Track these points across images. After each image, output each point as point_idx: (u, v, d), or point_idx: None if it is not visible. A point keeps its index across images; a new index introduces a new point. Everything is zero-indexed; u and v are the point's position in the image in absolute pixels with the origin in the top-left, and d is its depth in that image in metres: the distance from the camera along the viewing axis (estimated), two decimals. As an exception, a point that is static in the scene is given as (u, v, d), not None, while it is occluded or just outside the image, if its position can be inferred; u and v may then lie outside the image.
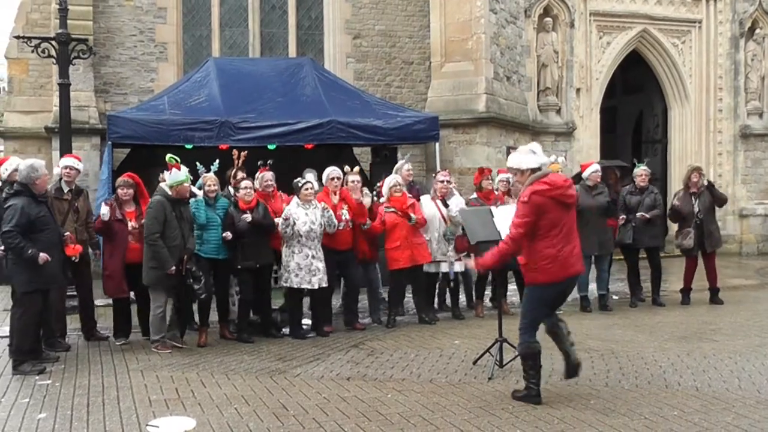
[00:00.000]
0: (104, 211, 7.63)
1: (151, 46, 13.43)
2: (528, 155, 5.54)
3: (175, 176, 7.41)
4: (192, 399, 5.80)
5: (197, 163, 8.15)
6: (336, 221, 8.14)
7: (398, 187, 8.72)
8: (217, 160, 8.27)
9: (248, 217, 7.76)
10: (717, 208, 10.27)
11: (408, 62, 14.40)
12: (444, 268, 9.13)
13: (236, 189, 8.07)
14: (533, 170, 5.47)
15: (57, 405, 5.76)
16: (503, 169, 11.24)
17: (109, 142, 10.41)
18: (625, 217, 9.73)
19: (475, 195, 9.44)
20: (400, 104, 13.19)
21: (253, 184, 8.19)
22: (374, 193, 9.26)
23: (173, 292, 7.58)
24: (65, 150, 9.93)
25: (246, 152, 8.79)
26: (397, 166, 9.78)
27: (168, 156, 7.56)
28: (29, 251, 6.58)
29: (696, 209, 9.83)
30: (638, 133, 18.81)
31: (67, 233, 7.35)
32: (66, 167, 7.89)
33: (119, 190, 7.88)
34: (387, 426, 5.09)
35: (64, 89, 10.10)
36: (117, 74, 13.28)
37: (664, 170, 16.86)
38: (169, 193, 7.44)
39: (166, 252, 7.28)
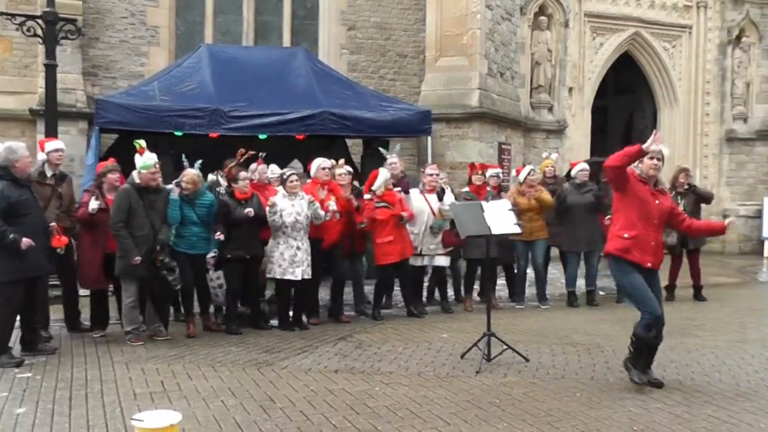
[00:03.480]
0: (94, 205, 7.39)
1: (142, 29, 13.21)
2: None
3: (145, 160, 7.25)
4: (178, 392, 5.72)
5: (183, 156, 8.03)
6: (323, 213, 8.10)
7: (390, 181, 8.75)
8: (200, 161, 8.14)
9: (251, 211, 7.75)
10: (702, 208, 10.61)
11: (402, 55, 14.32)
12: (437, 261, 9.15)
13: (234, 180, 8.01)
14: None
15: (38, 399, 5.59)
16: (494, 164, 11.30)
17: (97, 127, 10.22)
18: None
19: (467, 189, 9.47)
20: (393, 97, 13.13)
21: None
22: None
23: (147, 284, 7.45)
24: (51, 134, 9.76)
25: (253, 153, 8.68)
26: (386, 161, 9.74)
27: (135, 141, 7.42)
28: (10, 236, 6.32)
29: (681, 209, 9.96)
30: (628, 134, 18.89)
31: (53, 224, 7.09)
32: (56, 150, 7.66)
33: (110, 176, 7.70)
34: (374, 419, 5.06)
35: (51, 71, 9.92)
36: (106, 57, 13.03)
37: (652, 171, 16.95)
38: (137, 180, 7.31)
39: (130, 242, 7.16)
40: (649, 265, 5.73)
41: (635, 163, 5.84)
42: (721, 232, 6.36)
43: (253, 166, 8.63)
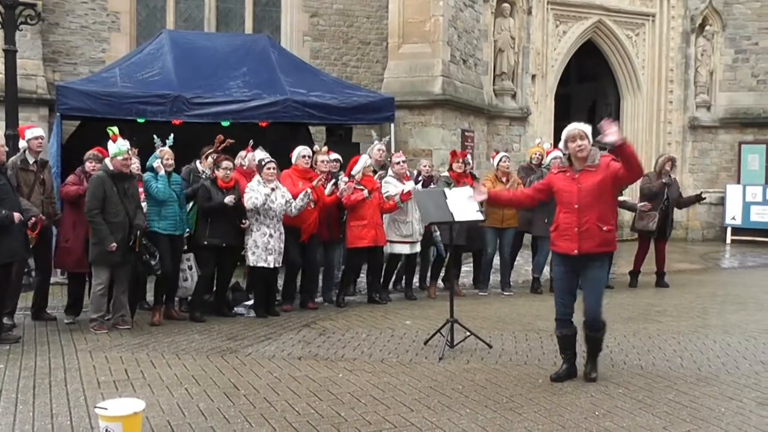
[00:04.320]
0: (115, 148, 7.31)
1: (103, 15, 13.02)
2: None
3: (118, 146, 7.23)
4: (141, 380, 5.71)
5: (154, 136, 7.99)
6: (303, 205, 8.14)
7: (371, 167, 8.83)
8: (172, 135, 8.10)
9: (232, 198, 7.77)
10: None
11: (365, 42, 14.30)
12: (415, 248, 9.22)
13: (217, 167, 8.01)
14: None
15: (1, 388, 5.54)
16: (463, 152, 11.35)
17: (58, 114, 10.09)
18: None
19: (446, 173, 9.58)
20: (356, 84, 13.12)
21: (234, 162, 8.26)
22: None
23: (127, 271, 7.41)
24: (12, 121, 9.62)
25: (232, 142, 8.66)
26: (371, 147, 9.76)
27: (108, 128, 7.38)
28: (3, 212, 6.38)
29: (665, 196, 10.28)
30: (592, 121, 18.97)
31: (40, 217, 7.16)
32: (36, 137, 7.72)
33: (88, 164, 7.69)
34: (338, 405, 5.10)
35: (10, 56, 9.75)
36: (67, 43, 12.84)
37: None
38: (111, 167, 7.27)
39: (105, 228, 7.14)
40: (576, 252, 5.51)
41: (564, 150, 5.76)
42: (631, 158, 5.34)
43: (242, 153, 8.66)
